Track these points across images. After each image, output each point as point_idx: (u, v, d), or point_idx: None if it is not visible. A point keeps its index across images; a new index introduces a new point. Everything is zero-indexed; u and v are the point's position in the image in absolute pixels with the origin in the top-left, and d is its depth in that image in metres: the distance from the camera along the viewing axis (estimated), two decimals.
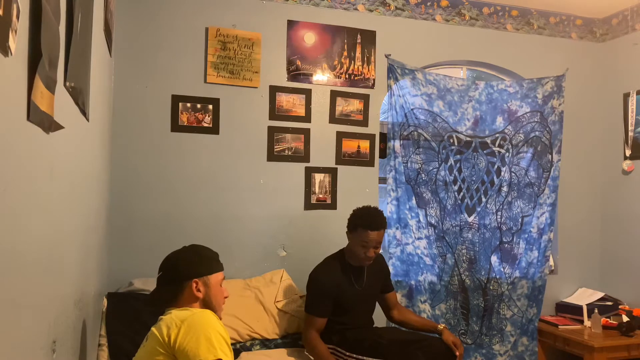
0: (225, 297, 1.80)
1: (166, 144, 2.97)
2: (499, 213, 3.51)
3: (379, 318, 2.94)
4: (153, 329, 1.61)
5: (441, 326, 2.75)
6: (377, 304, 2.88)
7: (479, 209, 3.47)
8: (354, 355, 2.53)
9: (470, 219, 3.45)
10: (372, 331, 2.72)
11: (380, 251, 3.36)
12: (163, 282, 1.75)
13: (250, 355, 2.60)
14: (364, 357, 2.50)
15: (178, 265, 1.75)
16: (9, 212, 0.82)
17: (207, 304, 1.72)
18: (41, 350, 1.10)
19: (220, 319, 1.69)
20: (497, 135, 3.53)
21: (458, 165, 3.45)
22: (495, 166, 3.52)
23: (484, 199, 3.49)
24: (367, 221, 2.55)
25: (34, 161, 0.99)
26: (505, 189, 3.52)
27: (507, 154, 3.53)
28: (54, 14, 1.04)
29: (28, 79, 0.89)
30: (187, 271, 1.72)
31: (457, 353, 2.60)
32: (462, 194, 3.45)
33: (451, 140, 3.44)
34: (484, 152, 3.50)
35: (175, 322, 1.56)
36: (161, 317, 1.65)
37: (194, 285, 1.70)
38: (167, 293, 1.73)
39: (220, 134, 3.05)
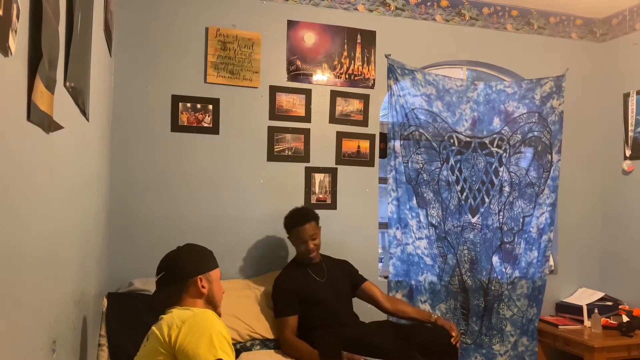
0: (222, 293, 1.85)
1: (166, 144, 2.97)
2: (501, 213, 3.51)
3: (378, 316, 2.94)
4: (154, 328, 1.60)
5: (434, 316, 2.86)
6: (364, 303, 2.92)
7: (482, 210, 3.47)
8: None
9: (473, 220, 3.45)
10: (361, 328, 2.72)
11: (380, 251, 3.40)
12: (165, 282, 1.75)
13: (250, 355, 2.60)
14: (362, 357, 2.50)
15: (180, 264, 1.76)
16: (9, 212, 0.82)
17: (210, 299, 1.76)
18: (41, 350, 1.10)
19: (220, 315, 1.70)
20: (495, 135, 3.53)
21: (458, 165, 3.45)
22: (493, 166, 3.52)
23: (486, 200, 3.48)
24: (295, 219, 2.77)
25: (34, 161, 0.99)
26: (507, 189, 3.52)
27: (505, 154, 3.53)
28: (54, 14, 1.04)
29: (28, 79, 0.89)
30: (191, 269, 1.75)
31: (454, 334, 2.72)
32: (465, 194, 3.45)
33: (451, 141, 3.43)
34: (483, 152, 3.50)
35: (176, 322, 1.56)
36: (162, 316, 1.64)
37: (199, 281, 1.73)
38: (170, 293, 1.73)
39: (220, 134, 3.05)
